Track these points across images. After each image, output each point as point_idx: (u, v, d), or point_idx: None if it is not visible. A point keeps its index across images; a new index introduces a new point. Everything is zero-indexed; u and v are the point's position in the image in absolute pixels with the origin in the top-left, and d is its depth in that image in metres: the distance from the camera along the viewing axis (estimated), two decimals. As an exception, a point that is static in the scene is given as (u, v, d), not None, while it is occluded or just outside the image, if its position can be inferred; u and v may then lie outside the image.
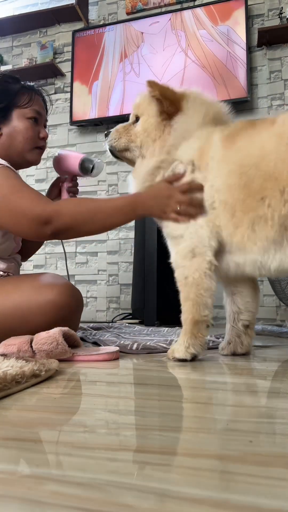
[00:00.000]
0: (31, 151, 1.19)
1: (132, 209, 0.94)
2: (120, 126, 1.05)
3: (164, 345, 1.04)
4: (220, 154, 0.89)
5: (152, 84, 0.96)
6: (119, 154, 1.06)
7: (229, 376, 0.73)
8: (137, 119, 1.02)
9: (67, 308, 1.01)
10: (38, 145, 1.20)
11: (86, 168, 1.23)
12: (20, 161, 1.20)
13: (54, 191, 1.28)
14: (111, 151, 1.07)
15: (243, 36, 2.28)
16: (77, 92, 2.60)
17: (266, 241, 0.83)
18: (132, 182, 1.03)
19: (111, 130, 1.06)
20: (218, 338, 1.12)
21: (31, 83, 1.23)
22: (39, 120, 1.19)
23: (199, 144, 0.93)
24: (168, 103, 0.95)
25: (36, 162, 1.24)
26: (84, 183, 2.48)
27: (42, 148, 1.22)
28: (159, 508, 0.28)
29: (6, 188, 1.00)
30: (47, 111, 1.25)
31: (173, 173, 0.90)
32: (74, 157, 1.24)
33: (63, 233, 0.97)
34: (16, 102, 1.16)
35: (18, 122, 1.16)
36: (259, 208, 0.82)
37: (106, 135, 1.08)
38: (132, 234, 2.51)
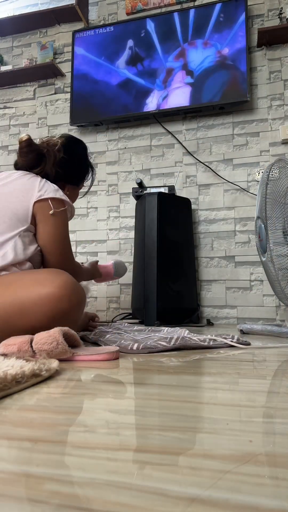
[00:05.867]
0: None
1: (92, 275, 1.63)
2: None
3: (164, 344, 1.03)
4: None
5: None
6: None
7: (229, 376, 0.73)
8: None
9: (67, 301, 1.01)
10: None
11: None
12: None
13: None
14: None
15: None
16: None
17: None
18: None
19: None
20: (218, 338, 1.12)
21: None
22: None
23: None
24: None
25: None
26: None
27: None
28: (159, 508, 0.28)
29: (66, 231, 1.29)
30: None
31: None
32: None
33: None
34: (80, 183, 1.55)
35: (72, 192, 1.52)
36: None
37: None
38: (132, 234, 2.51)
